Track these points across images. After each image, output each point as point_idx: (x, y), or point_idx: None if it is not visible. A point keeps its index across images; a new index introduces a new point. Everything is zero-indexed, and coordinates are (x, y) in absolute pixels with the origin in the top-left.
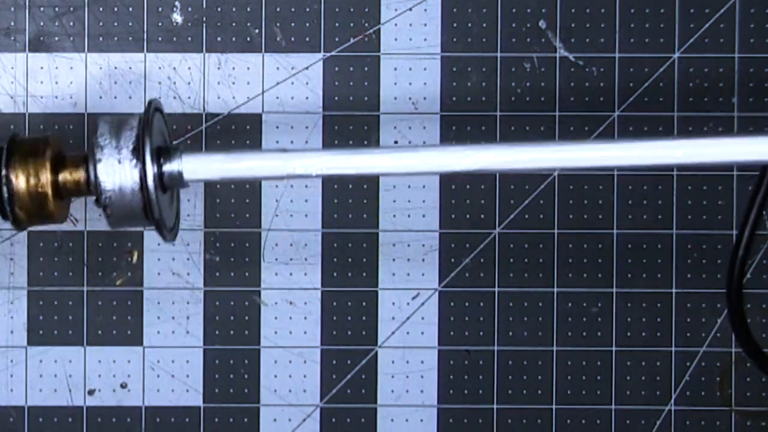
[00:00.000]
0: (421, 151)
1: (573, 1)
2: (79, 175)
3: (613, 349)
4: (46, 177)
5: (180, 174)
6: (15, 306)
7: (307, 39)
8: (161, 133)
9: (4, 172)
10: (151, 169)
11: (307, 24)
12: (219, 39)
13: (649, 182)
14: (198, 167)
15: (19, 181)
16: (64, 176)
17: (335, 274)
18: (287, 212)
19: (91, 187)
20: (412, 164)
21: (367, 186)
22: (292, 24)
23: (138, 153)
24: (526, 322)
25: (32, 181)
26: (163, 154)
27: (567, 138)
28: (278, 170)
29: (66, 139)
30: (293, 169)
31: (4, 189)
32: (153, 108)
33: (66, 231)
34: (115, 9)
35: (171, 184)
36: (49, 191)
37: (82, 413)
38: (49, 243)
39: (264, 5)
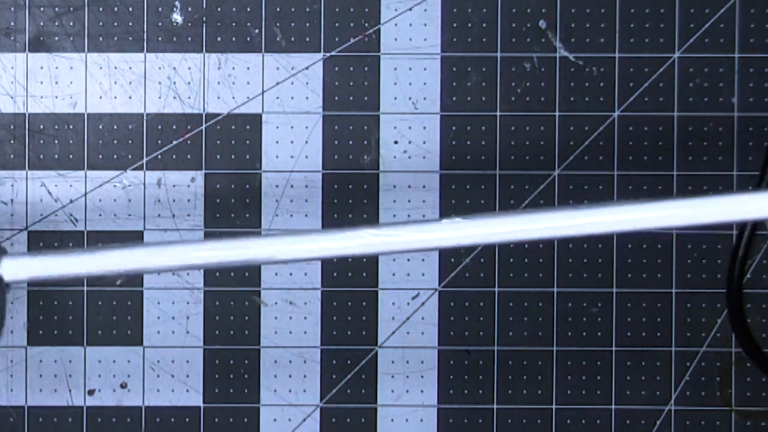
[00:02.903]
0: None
1: (573, 1)
2: None
3: (613, 349)
4: None
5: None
6: (15, 306)
7: (307, 39)
8: None
9: None
10: None
11: (307, 24)
12: (219, 39)
13: (649, 182)
14: (18, 269)
15: None
16: None
17: (335, 274)
18: (287, 212)
19: None
20: (303, 249)
21: (368, 186)
22: (292, 24)
23: None
24: (526, 322)
25: None
26: None
27: (567, 137)
28: (100, 267)
29: (66, 139)
30: (116, 266)
31: None
32: None
33: (66, 231)
34: (115, 9)
35: None
36: None
37: (82, 413)
38: (49, 243)
39: (264, 5)
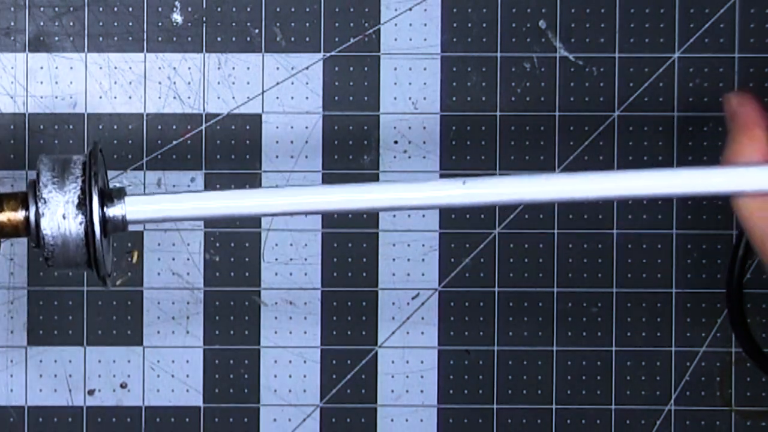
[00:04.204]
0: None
1: (573, 1)
2: (18, 219)
3: (613, 349)
4: None
5: (123, 218)
6: (15, 306)
7: (307, 39)
8: (102, 176)
9: None
10: (98, 225)
11: (307, 24)
12: (219, 39)
13: None
14: (141, 209)
15: None
16: (3, 218)
17: (335, 275)
18: None
19: (30, 232)
20: (406, 197)
21: None
22: (292, 24)
23: (84, 208)
24: (526, 322)
25: None
26: (105, 198)
27: (567, 137)
28: (225, 209)
29: (66, 139)
30: (245, 208)
31: None
32: (96, 153)
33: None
34: (115, 9)
35: (113, 229)
36: None
37: (82, 413)
38: None
39: (264, 5)
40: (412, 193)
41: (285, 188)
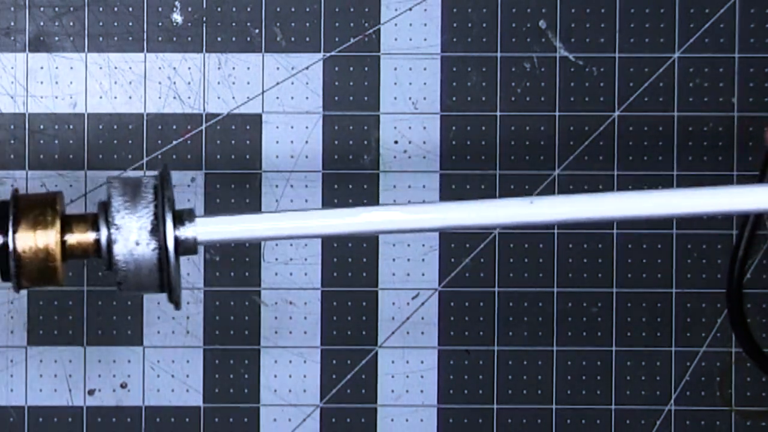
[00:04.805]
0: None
1: (573, 1)
2: (89, 240)
3: (613, 349)
4: (54, 240)
5: (195, 240)
6: (15, 306)
7: (307, 39)
8: (171, 198)
9: (10, 235)
10: (171, 250)
11: (307, 24)
12: (219, 39)
13: (649, 182)
14: (212, 230)
15: (25, 244)
16: (73, 240)
17: (335, 274)
18: None
19: (102, 255)
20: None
21: (367, 186)
22: (292, 24)
23: (157, 233)
24: (526, 322)
25: (39, 244)
26: (176, 221)
27: (567, 137)
28: (298, 230)
29: (66, 139)
30: (322, 228)
31: (10, 252)
32: (167, 175)
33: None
34: (115, 9)
35: (184, 252)
36: (57, 256)
37: (82, 413)
38: None
39: (264, 5)
40: (481, 213)
41: (362, 208)
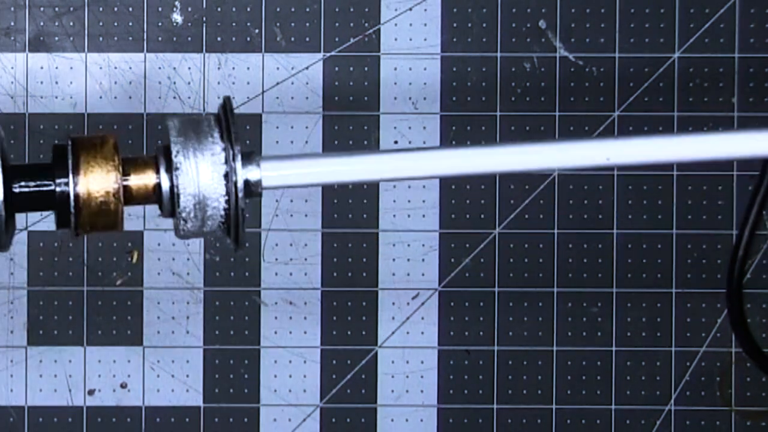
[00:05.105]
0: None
1: (573, 1)
2: (150, 180)
3: (613, 349)
4: (116, 182)
5: (259, 183)
6: (15, 306)
7: (307, 39)
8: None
9: (71, 178)
10: (241, 187)
11: (307, 24)
12: (219, 39)
13: (649, 182)
14: (278, 174)
15: (87, 186)
16: (133, 182)
17: (335, 275)
18: (287, 212)
19: (163, 199)
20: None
21: (367, 186)
22: (292, 24)
23: (227, 168)
24: (526, 322)
25: (101, 186)
26: (243, 161)
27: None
28: (362, 174)
29: (66, 139)
30: (384, 172)
31: (71, 194)
32: (231, 107)
33: (67, 231)
34: (115, 9)
35: (248, 194)
36: (120, 198)
37: (82, 413)
38: (49, 243)
39: (264, 5)
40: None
41: (426, 150)
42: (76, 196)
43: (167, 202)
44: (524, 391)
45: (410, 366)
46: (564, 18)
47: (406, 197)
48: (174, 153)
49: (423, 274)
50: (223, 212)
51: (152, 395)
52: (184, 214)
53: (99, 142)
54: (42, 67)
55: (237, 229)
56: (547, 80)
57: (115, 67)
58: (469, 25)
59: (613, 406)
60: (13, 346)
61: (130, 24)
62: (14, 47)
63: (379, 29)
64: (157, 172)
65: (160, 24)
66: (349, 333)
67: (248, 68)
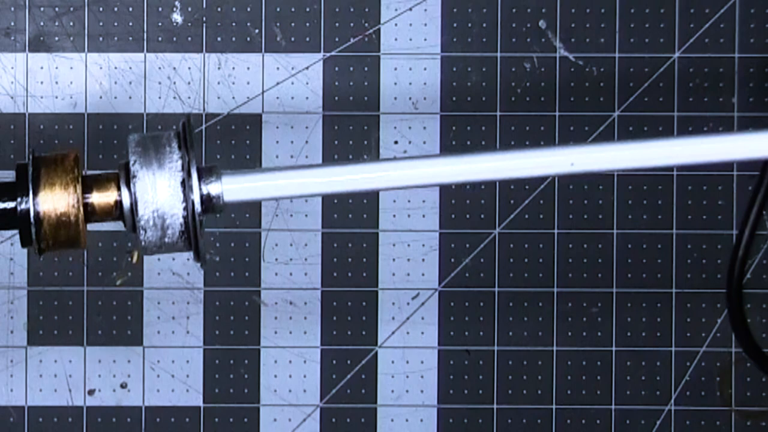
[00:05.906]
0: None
1: (573, 1)
2: (111, 197)
3: (613, 349)
4: (76, 198)
5: (219, 198)
6: (15, 306)
7: (307, 39)
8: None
9: (30, 197)
10: (198, 204)
11: (307, 24)
12: (219, 39)
13: (649, 182)
14: (239, 188)
15: (47, 204)
16: (95, 198)
17: (335, 275)
18: (287, 212)
19: (125, 216)
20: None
21: None
22: (292, 24)
23: (184, 187)
24: (526, 322)
25: (61, 206)
26: (204, 175)
27: (567, 137)
28: (322, 187)
29: (66, 139)
30: (338, 186)
31: (31, 213)
32: (190, 126)
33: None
34: (115, 9)
35: (209, 210)
36: (80, 216)
37: (82, 413)
38: None
39: (264, 5)
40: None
41: (393, 161)
42: (36, 214)
43: (128, 216)
44: (524, 391)
45: (410, 366)
46: (564, 18)
47: (406, 197)
48: (131, 162)
49: (423, 274)
50: (182, 221)
51: (152, 395)
52: (142, 222)
53: (60, 159)
54: (42, 67)
55: (196, 240)
56: (547, 80)
57: (115, 67)
58: (469, 25)
59: (613, 406)
60: (13, 346)
61: (130, 24)
62: (14, 47)
63: (379, 29)
64: (119, 188)
65: (160, 24)
66: (349, 333)
67: (248, 68)
